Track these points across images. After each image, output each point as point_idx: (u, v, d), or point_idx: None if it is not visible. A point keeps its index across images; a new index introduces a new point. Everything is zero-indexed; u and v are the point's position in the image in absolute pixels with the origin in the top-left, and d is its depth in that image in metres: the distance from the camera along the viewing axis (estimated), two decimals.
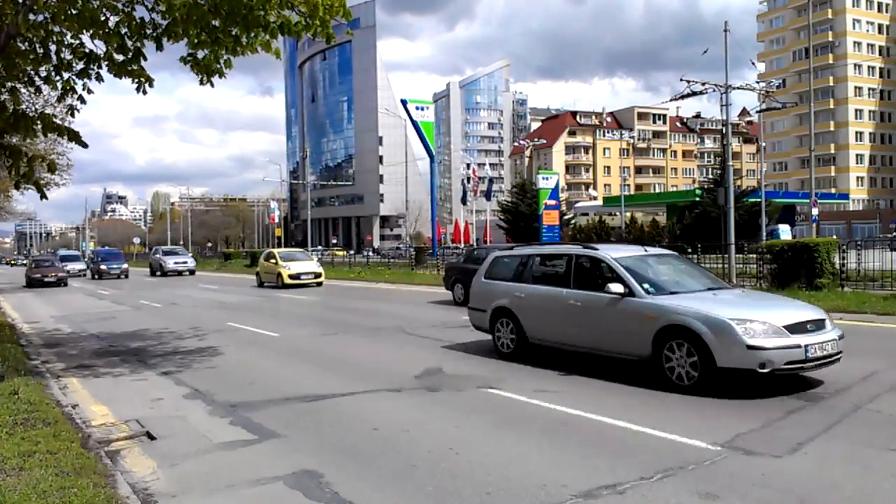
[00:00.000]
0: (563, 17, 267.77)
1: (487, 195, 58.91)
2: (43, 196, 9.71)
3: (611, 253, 9.06)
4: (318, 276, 28.38)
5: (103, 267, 38.83)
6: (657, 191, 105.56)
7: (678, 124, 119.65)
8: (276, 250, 31.38)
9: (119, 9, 8.08)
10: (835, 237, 28.18)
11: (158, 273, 39.29)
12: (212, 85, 8.62)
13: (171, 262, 39.03)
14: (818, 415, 6.59)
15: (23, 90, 9.88)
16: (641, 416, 6.60)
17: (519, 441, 6.10)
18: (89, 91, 8.46)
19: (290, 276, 27.59)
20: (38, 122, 8.41)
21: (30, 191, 11.70)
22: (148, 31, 8.15)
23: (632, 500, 4.67)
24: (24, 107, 10.43)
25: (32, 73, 8.77)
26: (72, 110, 8.74)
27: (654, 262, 9.32)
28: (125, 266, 39.84)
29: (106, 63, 8.19)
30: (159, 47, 8.21)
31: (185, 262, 39.66)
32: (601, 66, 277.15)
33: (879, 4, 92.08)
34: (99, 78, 8.28)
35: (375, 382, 8.64)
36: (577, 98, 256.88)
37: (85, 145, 8.73)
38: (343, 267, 42.07)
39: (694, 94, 25.31)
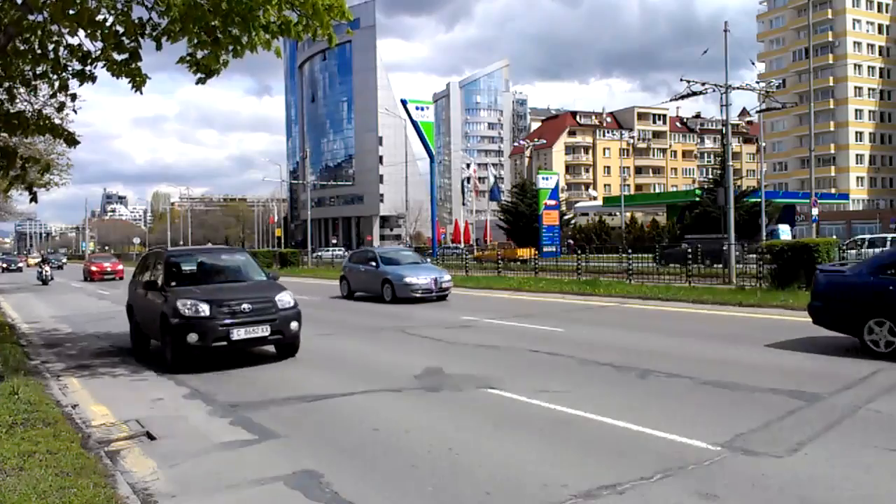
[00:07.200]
0: (560, 18, 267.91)
1: (493, 195, 58.71)
2: (33, 199, 9.61)
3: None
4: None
5: None
6: (657, 191, 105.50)
7: (678, 124, 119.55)
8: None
9: (117, 9, 8.06)
10: (834, 237, 28.15)
11: None
12: (203, 83, 8.52)
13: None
14: (818, 415, 6.59)
15: (21, 90, 9.85)
16: (641, 416, 6.60)
17: (519, 441, 6.09)
18: (81, 84, 8.43)
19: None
20: (36, 122, 8.39)
21: (26, 192, 11.62)
22: (146, 31, 8.13)
23: (632, 500, 4.67)
24: (21, 107, 10.41)
25: (29, 72, 8.75)
26: (62, 107, 8.70)
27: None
28: None
29: (103, 62, 8.17)
30: (159, 47, 8.19)
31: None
32: (598, 68, 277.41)
33: (879, 4, 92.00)
34: (92, 78, 8.24)
35: (375, 382, 8.64)
36: (575, 98, 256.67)
37: (76, 143, 8.67)
38: None
39: (694, 94, 25.27)
